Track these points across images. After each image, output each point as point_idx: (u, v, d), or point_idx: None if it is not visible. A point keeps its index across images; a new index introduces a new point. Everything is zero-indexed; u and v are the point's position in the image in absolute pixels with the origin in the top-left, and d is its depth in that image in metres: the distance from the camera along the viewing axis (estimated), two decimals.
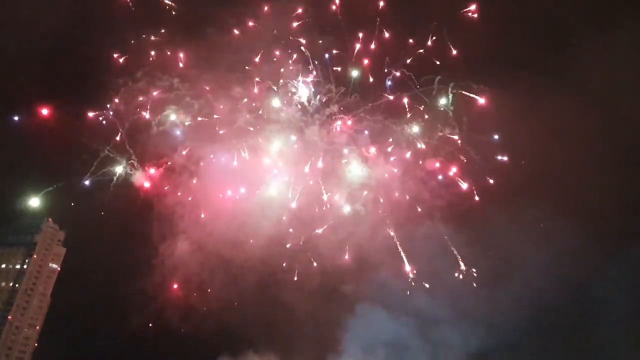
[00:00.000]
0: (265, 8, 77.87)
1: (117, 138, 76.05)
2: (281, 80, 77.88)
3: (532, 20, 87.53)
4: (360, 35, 77.81)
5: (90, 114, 75.76)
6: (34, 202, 77.54)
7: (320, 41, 76.84)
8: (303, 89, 78.33)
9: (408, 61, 76.07)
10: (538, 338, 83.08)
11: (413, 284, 78.95)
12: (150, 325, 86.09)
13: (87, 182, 75.42)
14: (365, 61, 77.69)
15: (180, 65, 77.94)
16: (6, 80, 72.73)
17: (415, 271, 78.58)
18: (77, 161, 75.57)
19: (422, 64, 75.44)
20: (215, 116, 77.84)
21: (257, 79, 78.35)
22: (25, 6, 74.17)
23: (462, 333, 78.95)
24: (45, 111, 74.33)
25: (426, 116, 76.22)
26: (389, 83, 76.04)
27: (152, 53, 76.97)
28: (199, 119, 77.98)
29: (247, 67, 78.39)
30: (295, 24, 77.39)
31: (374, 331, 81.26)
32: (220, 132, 78.32)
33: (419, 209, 78.44)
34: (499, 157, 76.94)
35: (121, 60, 76.16)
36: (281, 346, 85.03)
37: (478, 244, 77.84)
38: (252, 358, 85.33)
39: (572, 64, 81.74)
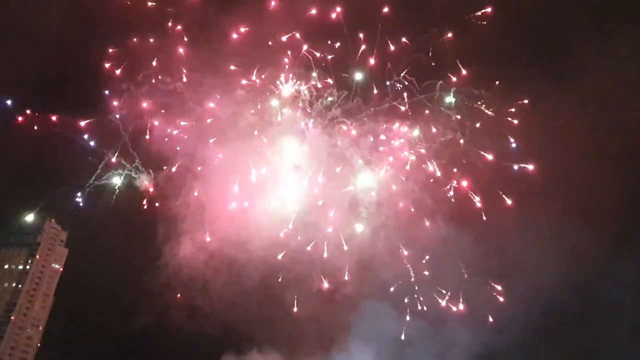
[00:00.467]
0: (272, 4, 77.90)
1: (121, 141, 76.77)
2: (283, 85, 78.25)
3: (532, 24, 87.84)
4: (361, 35, 78.28)
5: (94, 118, 76.50)
6: (29, 217, 78.60)
7: (323, 45, 77.11)
8: (305, 93, 78.72)
9: (408, 68, 76.55)
10: (543, 339, 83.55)
11: (416, 287, 79.66)
12: (154, 326, 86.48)
13: (91, 185, 76.16)
14: (371, 60, 77.90)
15: (184, 78, 78.12)
16: (11, 85, 73.20)
17: (424, 272, 79.28)
18: (83, 163, 76.36)
19: (423, 68, 75.89)
20: (208, 120, 78.17)
21: (258, 81, 78.77)
22: (28, 11, 74.47)
23: (467, 333, 79.53)
24: (49, 114, 75.17)
25: (433, 127, 76.74)
26: (398, 86, 76.15)
27: (154, 59, 77.24)
28: (184, 123, 78.48)
29: (247, 70, 78.83)
30: (297, 28, 77.70)
31: (377, 329, 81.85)
32: (222, 135, 78.95)
33: (422, 212, 78.98)
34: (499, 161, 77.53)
35: (120, 68, 76.48)
36: (285, 345, 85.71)
37: (483, 245, 78.27)
38: (256, 357, 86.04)
39: (574, 67, 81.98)
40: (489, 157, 75.70)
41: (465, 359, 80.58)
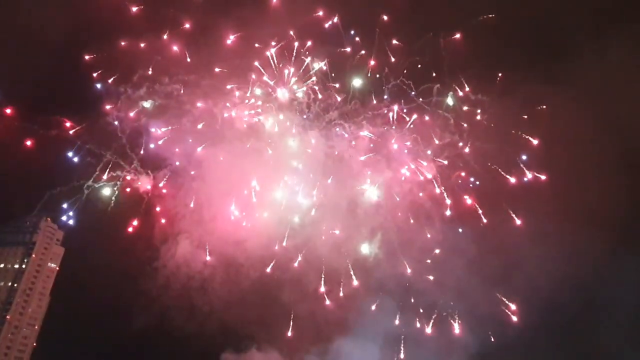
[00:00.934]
0: (271, 10, 78.36)
1: (119, 143, 77.17)
2: (282, 88, 78.74)
3: (531, 29, 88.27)
4: (357, 39, 78.91)
5: (92, 120, 76.79)
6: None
7: (321, 48, 77.73)
8: (303, 96, 79.24)
9: (405, 72, 77.27)
10: (544, 338, 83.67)
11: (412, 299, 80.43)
12: (152, 325, 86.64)
13: (90, 187, 76.45)
14: (372, 62, 78.48)
15: (182, 81, 78.41)
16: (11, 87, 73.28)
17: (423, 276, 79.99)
18: (82, 164, 76.70)
19: (421, 73, 76.64)
20: (198, 126, 78.24)
21: (256, 87, 79.29)
22: (29, 15, 74.28)
23: (468, 331, 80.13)
24: (47, 116, 75.38)
25: (432, 133, 77.36)
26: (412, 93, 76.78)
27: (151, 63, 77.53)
28: (164, 129, 78.61)
29: (246, 73, 79.30)
30: (295, 33, 78.19)
31: (375, 328, 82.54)
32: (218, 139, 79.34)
33: (420, 215, 79.64)
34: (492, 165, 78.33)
35: (115, 76, 76.71)
36: (284, 344, 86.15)
37: (485, 245, 78.69)
38: (255, 355, 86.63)
39: (572, 71, 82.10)
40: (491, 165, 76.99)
41: (467, 357, 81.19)
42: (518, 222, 76.84)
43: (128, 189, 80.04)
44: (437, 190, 78.63)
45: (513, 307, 78.88)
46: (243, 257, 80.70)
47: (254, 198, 78.41)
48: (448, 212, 78.59)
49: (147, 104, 77.69)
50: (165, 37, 77.35)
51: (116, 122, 76.69)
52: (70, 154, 76.56)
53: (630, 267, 79.12)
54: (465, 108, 76.49)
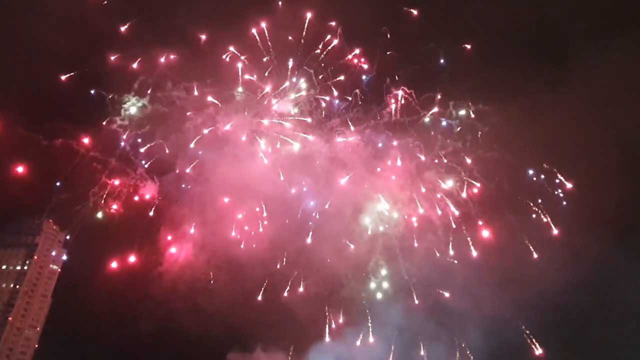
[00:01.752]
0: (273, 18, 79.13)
1: (124, 150, 77.85)
2: (285, 97, 79.55)
3: (531, 33, 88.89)
4: (358, 50, 80.00)
5: (98, 126, 77.51)
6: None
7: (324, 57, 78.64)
8: (305, 104, 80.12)
9: (406, 81, 78.21)
10: (554, 338, 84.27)
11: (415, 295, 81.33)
12: (153, 326, 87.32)
13: (96, 193, 77.27)
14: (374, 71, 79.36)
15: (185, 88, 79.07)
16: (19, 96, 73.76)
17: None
18: (87, 169, 77.41)
19: (423, 82, 77.60)
20: (191, 143, 78.72)
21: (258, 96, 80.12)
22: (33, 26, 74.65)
23: (478, 330, 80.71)
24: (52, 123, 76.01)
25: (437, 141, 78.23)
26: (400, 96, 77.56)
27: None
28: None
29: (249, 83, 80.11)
30: (295, 38, 79.01)
31: (383, 328, 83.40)
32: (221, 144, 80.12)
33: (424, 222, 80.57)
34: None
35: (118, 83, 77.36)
36: (289, 345, 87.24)
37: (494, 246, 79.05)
38: (261, 355, 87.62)
39: (573, 75, 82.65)
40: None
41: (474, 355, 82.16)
42: (535, 255, 77.14)
43: (115, 204, 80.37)
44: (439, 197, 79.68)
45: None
46: (246, 258, 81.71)
47: (261, 227, 79.27)
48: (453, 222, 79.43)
49: (133, 111, 78.40)
50: (165, 45, 78.04)
51: (117, 128, 77.29)
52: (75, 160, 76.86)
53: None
54: (460, 126, 77.45)
